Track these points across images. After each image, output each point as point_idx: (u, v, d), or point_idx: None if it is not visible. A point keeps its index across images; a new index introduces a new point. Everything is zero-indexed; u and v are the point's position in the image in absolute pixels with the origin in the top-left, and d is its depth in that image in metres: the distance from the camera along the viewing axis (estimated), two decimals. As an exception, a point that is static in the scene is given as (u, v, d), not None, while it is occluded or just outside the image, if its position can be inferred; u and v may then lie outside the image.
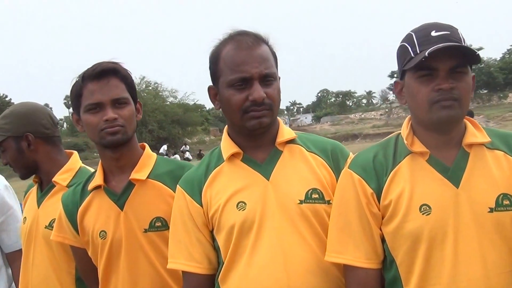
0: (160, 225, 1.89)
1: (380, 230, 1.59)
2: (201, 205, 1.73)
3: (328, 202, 1.67)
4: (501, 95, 60.97)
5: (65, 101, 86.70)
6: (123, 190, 1.93)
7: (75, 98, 1.90)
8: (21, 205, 3.65)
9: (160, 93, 44.30)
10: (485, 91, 58.40)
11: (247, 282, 1.63)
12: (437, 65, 1.47)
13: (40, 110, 2.33)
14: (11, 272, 2.60)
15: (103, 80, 1.85)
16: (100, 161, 2.00)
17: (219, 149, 1.80)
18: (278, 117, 1.77)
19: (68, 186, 2.21)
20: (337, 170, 1.72)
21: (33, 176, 2.35)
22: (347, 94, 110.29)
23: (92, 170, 2.27)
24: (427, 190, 1.52)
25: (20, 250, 2.52)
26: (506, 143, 1.59)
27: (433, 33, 1.50)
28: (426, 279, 1.50)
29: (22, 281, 2.30)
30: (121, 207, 1.91)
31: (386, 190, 1.56)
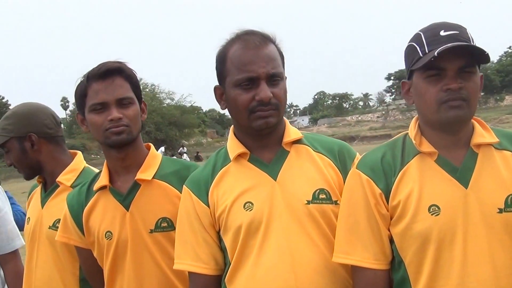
0: (166, 226, 1.88)
1: (389, 230, 1.58)
2: (208, 206, 1.72)
3: (336, 203, 1.66)
4: (498, 98, 61.15)
5: (62, 102, 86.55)
6: (128, 191, 1.92)
7: (80, 98, 1.89)
8: (15, 206, 3.66)
9: (157, 95, 44.28)
10: (482, 94, 58.48)
11: (254, 283, 1.62)
12: (446, 65, 1.46)
13: (42, 110, 2.32)
14: (3, 274, 2.58)
15: (108, 79, 1.84)
16: (105, 161, 1.99)
17: (225, 149, 1.79)
18: (284, 117, 1.76)
19: (72, 186, 2.20)
20: (344, 170, 1.71)
21: (37, 176, 2.34)
22: (344, 96, 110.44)
23: (96, 170, 2.26)
24: (436, 190, 1.51)
25: (12, 252, 2.52)
26: None
27: (442, 33, 1.49)
28: (435, 280, 1.49)
29: (25, 281, 2.28)
30: (127, 208, 1.90)
31: (395, 191, 1.55)
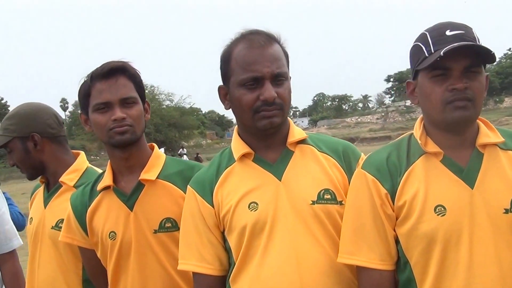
0: (170, 226, 1.88)
1: (394, 231, 1.57)
2: (213, 206, 1.71)
3: (341, 203, 1.66)
4: (497, 100, 61.18)
5: (61, 104, 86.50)
6: (132, 191, 1.91)
7: (84, 97, 1.89)
8: (12, 206, 3.67)
9: (157, 97, 44.23)
10: (481, 96, 58.52)
11: (259, 284, 1.62)
12: (451, 64, 1.46)
13: (45, 110, 2.32)
14: (0, 274, 2.57)
15: (112, 79, 1.84)
16: (109, 161, 1.99)
17: (229, 150, 1.79)
18: (288, 117, 1.75)
19: (75, 186, 2.20)
20: (349, 170, 1.71)
21: (40, 176, 2.33)
22: (344, 98, 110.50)
23: (99, 170, 2.26)
24: (442, 190, 1.51)
25: (10, 252, 2.52)
26: None
27: (448, 33, 1.49)
28: (441, 280, 1.49)
29: (28, 282, 2.28)
30: (131, 208, 1.90)
31: (401, 191, 1.54)
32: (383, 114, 68.89)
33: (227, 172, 1.73)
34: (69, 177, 2.23)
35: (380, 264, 1.57)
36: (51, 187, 2.28)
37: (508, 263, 1.46)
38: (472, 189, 1.50)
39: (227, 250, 1.73)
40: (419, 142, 1.57)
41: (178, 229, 1.83)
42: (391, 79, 76.48)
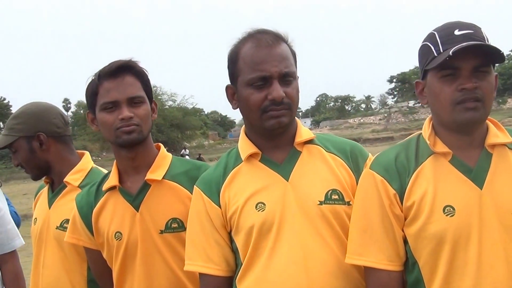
0: (176, 226, 1.87)
1: (402, 231, 1.56)
2: (219, 206, 1.70)
3: (348, 203, 1.65)
4: (500, 101, 61.13)
5: (64, 104, 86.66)
6: (138, 191, 1.91)
7: (91, 96, 1.88)
8: (10, 207, 3.67)
9: (159, 97, 44.23)
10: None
11: (266, 284, 1.61)
12: (460, 64, 1.45)
13: (51, 109, 2.31)
14: (1, 275, 2.56)
15: (119, 77, 1.83)
16: (114, 161, 1.98)
17: (236, 150, 1.78)
18: (296, 117, 1.75)
19: (79, 186, 2.19)
20: (356, 171, 1.70)
21: (44, 177, 2.33)
22: (346, 99, 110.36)
23: (104, 170, 2.26)
24: (450, 191, 1.50)
25: (11, 252, 2.51)
26: None
27: (457, 32, 1.48)
28: (450, 281, 1.48)
29: (32, 282, 2.27)
30: (137, 208, 1.89)
31: (409, 191, 1.53)
32: (385, 115, 68.79)
33: (234, 172, 1.73)
34: (73, 177, 2.23)
35: (388, 264, 1.56)
36: (56, 187, 2.28)
37: None
38: (481, 189, 1.49)
39: (234, 250, 1.72)
40: (428, 142, 1.56)
41: (185, 229, 1.82)
42: (394, 80, 76.42)
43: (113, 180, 1.94)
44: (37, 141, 2.23)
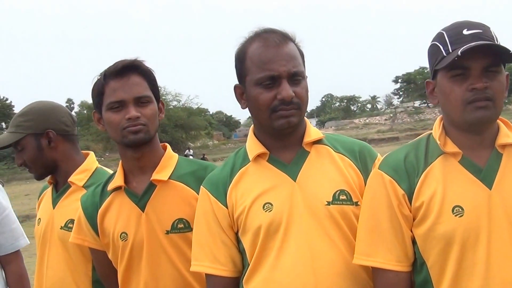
0: (182, 227, 1.86)
1: (411, 232, 1.56)
2: (226, 206, 1.70)
3: (356, 204, 1.64)
4: (506, 101, 60.76)
5: (67, 104, 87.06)
6: (144, 191, 1.90)
7: (97, 96, 1.87)
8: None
9: (163, 97, 44.29)
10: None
11: (273, 285, 1.60)
12: (470, 64, 1.44)
13: (59, 107, 2.31)
14: (4, 275, 2.53)
15: (125, 77, 1.82)
16: (120, 161, 1.97)
17: (244, 150, 1.77)
18: (305, 117, 1.74)
19: (84, 186, 2.18)
20: (364, 171, 1.69)
21: (48, 177, 2.31)
22: (352, 99, 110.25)
23: (109, 170, 2.25)
24: (459, 191, 1.49)
25: (15, 252, 2.49)
26: None
27: (465, 32, 1.48)
28: (458, 281, 1.47)
29: (36, 283, 2.26)
30: (142, 209, 1.88)
31: (418, 192, 1.53)
32: (391, 115, 68.66)
33: (241, 172, 1.72)
34: (78, 177, 2.22)
35: (396, 265, 1.55)
36: (60, 188, 2.27)
37: None
38: (490, 189, 1.48)
39: (241, 251, 1.71)
40: (438, 142, 1.55)
41: (191, 230, 1.82)
42: (399, 80, 76.29)
43: (118, 180, 1.93)
44: (45, 138, 2.21)
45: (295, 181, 1.65)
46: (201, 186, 1.77)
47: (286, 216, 1.62)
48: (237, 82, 1.73)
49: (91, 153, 2.36)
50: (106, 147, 40.37)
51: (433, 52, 1.54)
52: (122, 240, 1.88)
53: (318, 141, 1.72)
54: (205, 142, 52.47)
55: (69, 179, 2.22)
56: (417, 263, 1.57)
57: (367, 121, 72.69)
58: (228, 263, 1.71)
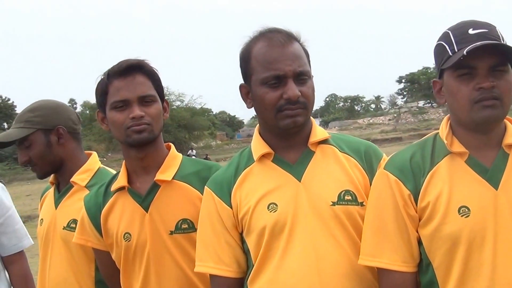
0: (186, 227, 1.85)
1: (417, 232, 1.55)
2: (231, 207, 1.69)
3: (361, 204, 1.63)
4: (510, 101, 60.57)
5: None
6: (148, 192, 1.89)
7: (101, 95, 1.87)
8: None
9: (167, 97, 44.19)
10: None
11: (278, 285, 1.59)
12: (476, 63, 1.44)
13: (66, 106, 2.33)
14: (8, 276, 2.52)
15: (129, 76, 1.81)
16: (123, 161, 1.96)
17: (249, 149, 1.77)
18: (311, 117, 1.73)
19: (86, 186, 2.18)
20: (370, 171, 1.68)
21: (50, 177, 2.31)
22: (356, 99, 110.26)
23: (111, 170, 2.25)
24: (465, 191, 1.48)
25: (19, 252, 2.48)
26: None
27: (471, 31, 1.47)
28: (464, 282, 1.46)
29: (39, 284, 2.25)
30: (146, 209, 1.87)
31: (424, 192, 1.52)
32: (395, 115, 68.58)
33: (245, 172, 1.71)
34: (80, 177, 2.21)
35: (402, 266, 1.54)
36: (62, 188, 2.26)
37: None
38: (497, 189, 1.47)
39: (245, 252, 1.71)
40: (445, 142, 1.54)
41: (195, 230, 1.80)
42: (403, 80, 76.20)
43: (122, 180, 1.92)
44: (55, 135, 2.21)
45: (300, 181, 1.64)
46: (205, 186, 1.77)
47: (291, 216, 1.61)
48: (242, 82, 1.73)
49: (94, 153, 2.36)
50: (108, 148, 40.40)
51: (439, 51, 1.54)
52: (125, 241, 1.88)
53: (324, 141, 1.71)
54: (208, 142, 52.46)
55: (71, 179, 2.21)
56: (423, 264, 1.56)
57: (371, 121, 72.64)
58: (232, 264, 1.70)
